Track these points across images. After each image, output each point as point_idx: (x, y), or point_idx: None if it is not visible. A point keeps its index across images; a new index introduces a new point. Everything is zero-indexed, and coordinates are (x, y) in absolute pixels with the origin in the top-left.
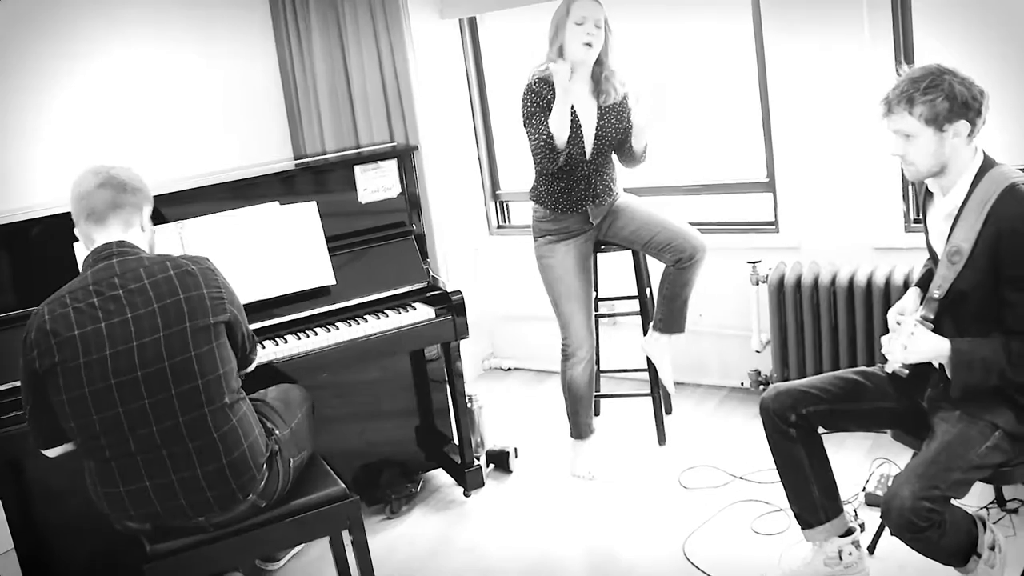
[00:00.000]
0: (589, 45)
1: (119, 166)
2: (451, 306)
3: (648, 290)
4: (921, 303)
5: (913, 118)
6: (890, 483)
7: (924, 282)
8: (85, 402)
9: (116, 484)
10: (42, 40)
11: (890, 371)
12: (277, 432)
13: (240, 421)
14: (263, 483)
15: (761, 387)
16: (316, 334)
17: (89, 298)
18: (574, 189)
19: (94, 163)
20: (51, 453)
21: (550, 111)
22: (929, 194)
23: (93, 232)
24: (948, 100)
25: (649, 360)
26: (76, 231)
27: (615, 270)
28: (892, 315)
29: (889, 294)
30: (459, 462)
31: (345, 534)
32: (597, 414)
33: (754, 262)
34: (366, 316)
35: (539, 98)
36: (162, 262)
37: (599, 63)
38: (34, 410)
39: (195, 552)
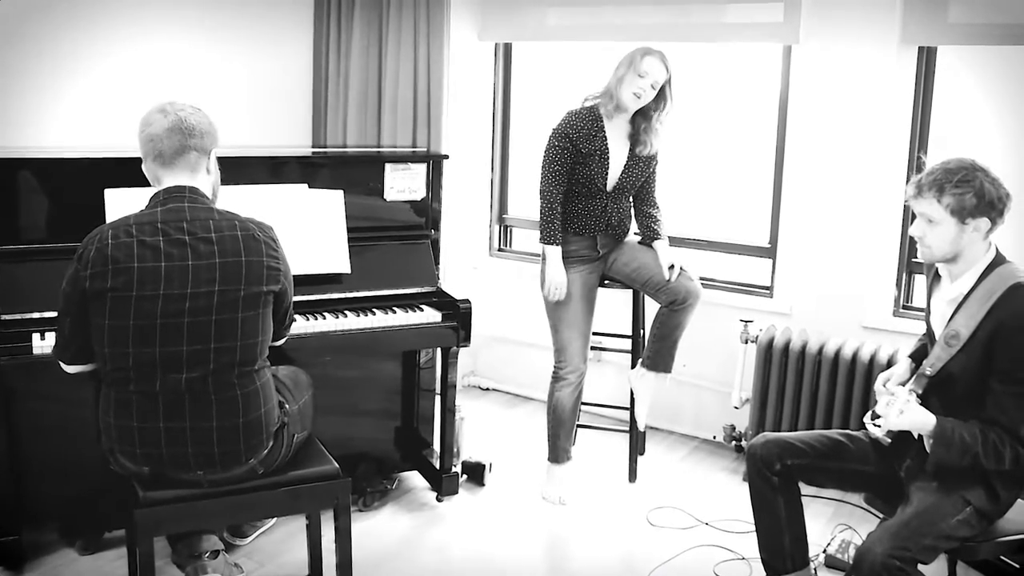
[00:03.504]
0: (637, 99)
1: (188, 106)
2: (458, 313)
3: (643, 331)
4: (911, 376)
5: (940, 206)
6: (850, 549)
7: (916, 355)
8: (126, 333)
9: (131, 418)
10: (81, 17)
11: (874, 436)
12: (287, 406)
13: (263, 387)
14: (267, 451)
15: (734, 443)
16: (325, 318)
17: (156, 235)
18: (590, 213)
19: (164, 101)
20: (70, 369)
21: (576, 149)
22: (937, 276)
23: (160, 173)
24: (976, 197)
25: (631, 396)
26: (143, 168)
27: (611, 309)
28: (881, 380)
29: (872, 371)
30: (438, 467)
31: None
32: (574, 443)
33: (747, 321)
34: (374, 309)
35: (571, 130)
36: (231, 220)
37: (645, 115)
38: (72, 324)
39: (186, 505)
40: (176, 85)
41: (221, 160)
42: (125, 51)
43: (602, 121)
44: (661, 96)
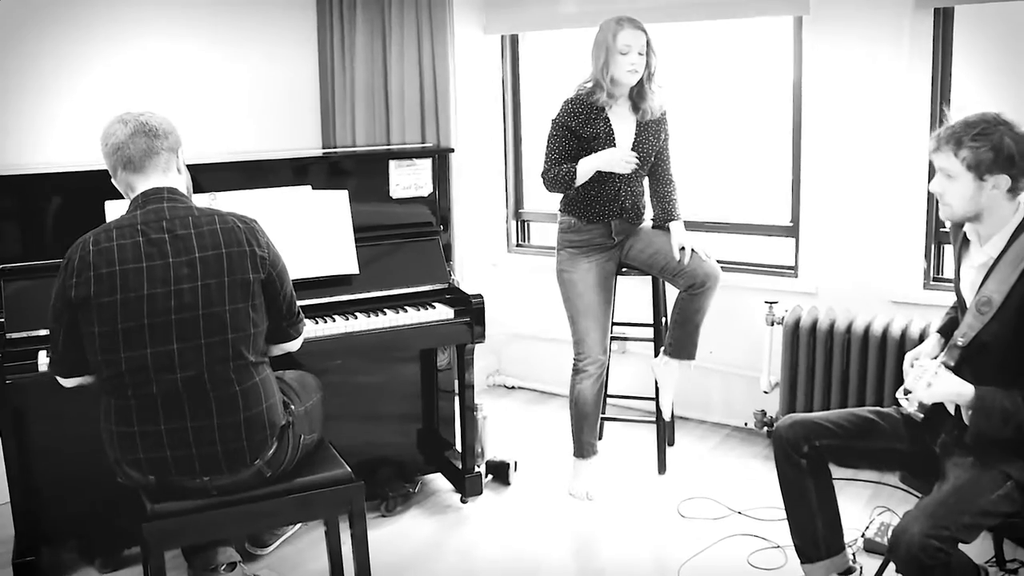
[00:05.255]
0: (635, 72)
1: (147, 111)
2: (471, 309)
3: (664, 318)
4: (942, 350)
5: (956, 160)
6: (890, 532)
7: (945, 329)
8: (116, 338)
9: (131, 423)
10: (79, 19)
11: (907, 412)
12: (293, 407)
13: (263, 382)
14: (272, 451)
15: (765, 428)
16: (334, 321)
17: (135, 236)
18: (604, 198)
19: (120, 111)
20: (68, 383)
21: (577, 136)
22: (966, 241)
23: (134, 181)
24: (994, 151)
25: (656, 386)
26: (114, 182)
27: (632, 297)
28: (909, 358)
29: (903, 347)
30: (460, 468)
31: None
32: (600, 437)
33: (771, 302)
34: (385, 309)
35: (570, 119)
36: (211, 215)
37: (640, 83)
38: (65, 336)
39: (195, 516)
40: (181, 92)
41: (223, 166)
42: (123, 55)
43: (603, 104)
44: (648, 56)
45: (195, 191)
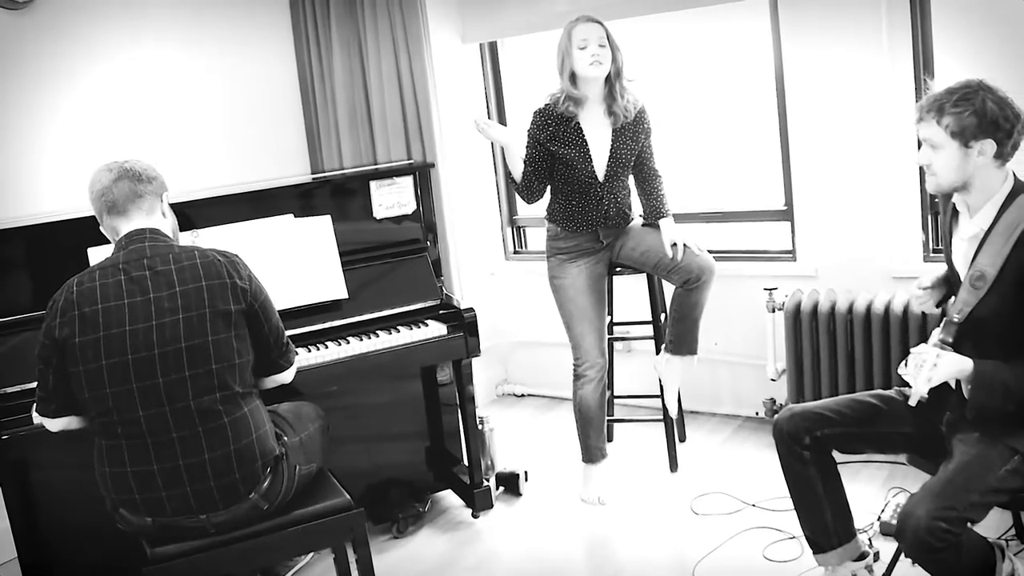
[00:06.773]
0: (599, 64)
1: (131, 159)
2: (463, 324)
3: (663, 314)
4: (939, 326)
5: (940, 128)
6: None
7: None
8: (101, 375)
9: (124, 464)
10: (52, 46)
11: (913, 404)
12: (286, 438)
13: (251, 412)
14: (267, 483)
15: (776, 416)
16: (327, 347)
17: (117, 275)
18: (586, 209)
19: (105, 160)
20: (54, 425)
21: (547, 149)
22: (955, 212)
23: (118, 224)
24: (976, 116)
25: (660, 384)
26: (101, 228)
27: (630, 295)
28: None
29: (907, 322)
30: (468, 483)
31: (350, 552)
32: (610, 440)
33: (770, 289)
34: (378, 331)
35: (539, 131)
36: (191, 251)
37: (609, 83)
38: (54, 376)
39: (196, 557)
40: (166, 131)
41: (201, 202)
42: (109, 80)
43: (572, 113)
44: (613, 52)
45: (181, 229)
